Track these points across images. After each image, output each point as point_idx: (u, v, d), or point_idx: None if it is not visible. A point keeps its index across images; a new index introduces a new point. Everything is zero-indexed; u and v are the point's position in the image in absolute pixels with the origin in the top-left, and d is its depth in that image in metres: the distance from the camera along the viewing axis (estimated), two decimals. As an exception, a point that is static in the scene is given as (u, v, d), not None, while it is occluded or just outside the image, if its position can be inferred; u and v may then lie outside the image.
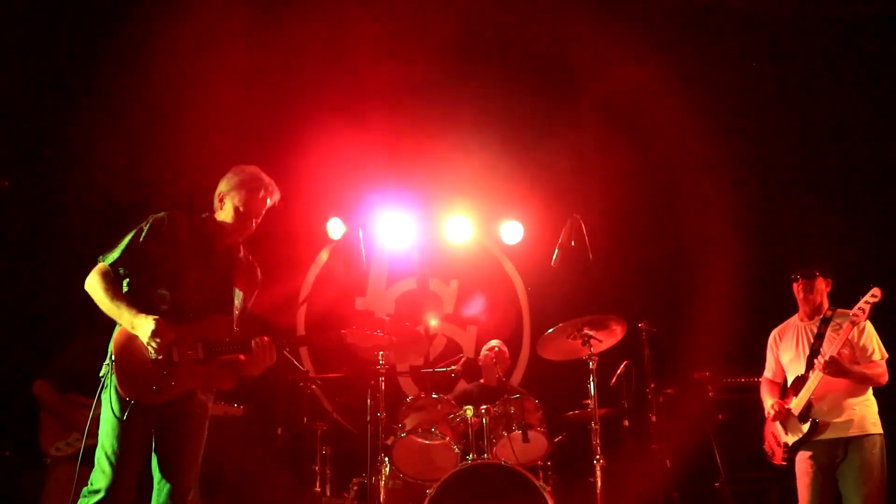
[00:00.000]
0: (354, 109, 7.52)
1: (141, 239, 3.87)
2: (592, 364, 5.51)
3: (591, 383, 5.49)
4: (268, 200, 4.06)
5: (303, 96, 7.55)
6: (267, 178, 4.08)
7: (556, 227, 6.31)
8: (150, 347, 3.70)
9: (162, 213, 3.98)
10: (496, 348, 6.62)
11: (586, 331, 5.54)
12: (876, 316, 5.07)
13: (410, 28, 7.48)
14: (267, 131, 7.55)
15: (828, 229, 7.01)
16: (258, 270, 4.21)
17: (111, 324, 4.92)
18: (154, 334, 3.67)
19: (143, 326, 3.69)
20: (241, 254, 4.14)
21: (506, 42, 7.76)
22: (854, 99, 7.39)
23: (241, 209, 3.99)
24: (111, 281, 3.83)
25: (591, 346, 5.51)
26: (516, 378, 7.84)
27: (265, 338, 3.91)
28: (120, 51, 6.71)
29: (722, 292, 6.77)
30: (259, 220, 4.07)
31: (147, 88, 6.83)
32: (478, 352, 7.12)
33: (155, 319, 3.68)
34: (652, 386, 6.26)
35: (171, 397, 3.78)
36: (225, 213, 4.03)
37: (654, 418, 5.90)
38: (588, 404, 5.56)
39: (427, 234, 8.05)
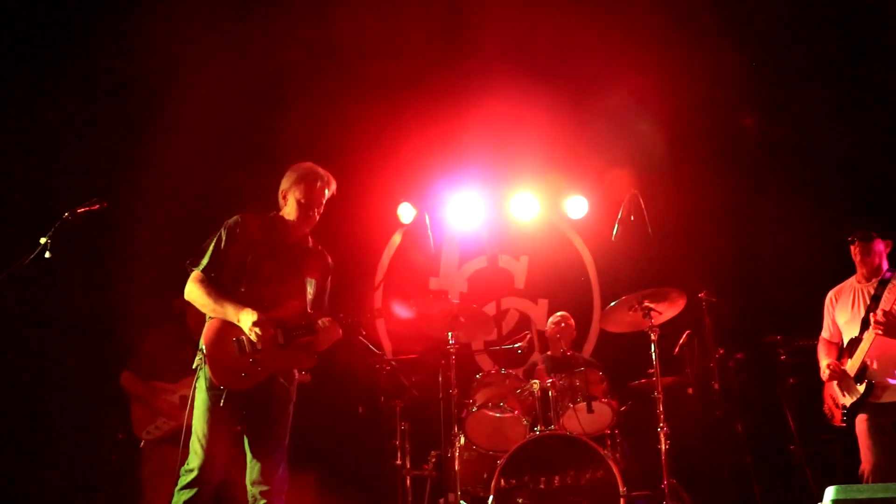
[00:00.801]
0: (418, 95, 7.71)
1: (222, 245, 4.22)
2: (654, 335, 5.68)
3: (654, 353, 5.67)
4: (326, 191, 4.34)
5: (369, 88, 7.71)
6: (322, 171, 4.36)
7: (620, 200, 6.45)
8: (253, 335, 4.04)
9: (235, 217, 4.30)
10: (560, 322, 6.81)
11: (647, 303, 5.68)
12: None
13: (474, 7, 7.62)
14: (339, 125, 7.83)
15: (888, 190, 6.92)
16: (328, 257, 4.49)
17: (179, 317, 5.36)
18: (255, 324, 4.02)
19: (246, 319, 4.05)
20: (310, 244, 4.43)
21: (570, 20, 7.80)
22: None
23: (302, 202, 4.28)
24: (208, 284, 4.19)
25: (651, 317, 5.67)
26: (588, 349, 7.98)
27: (327, 318, 4.25)
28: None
29: (787, 257, 6.75)
30: (321, 210, 4.34)
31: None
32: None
33: (256, 312, 4.04)
34: (720, 352, 6.38)
35: (258, 381, 4.11)
36: (289, 209, 4.33)
37: (716, 386, 6.01)
38: (652, 374, 5.74)
39: (495, 212, 8.20)
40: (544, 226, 8.46)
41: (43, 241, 4.09)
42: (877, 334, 4.99)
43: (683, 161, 7.57)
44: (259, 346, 4.08)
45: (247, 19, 7.32)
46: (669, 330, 6.07)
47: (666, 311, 5.79)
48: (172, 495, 4.60)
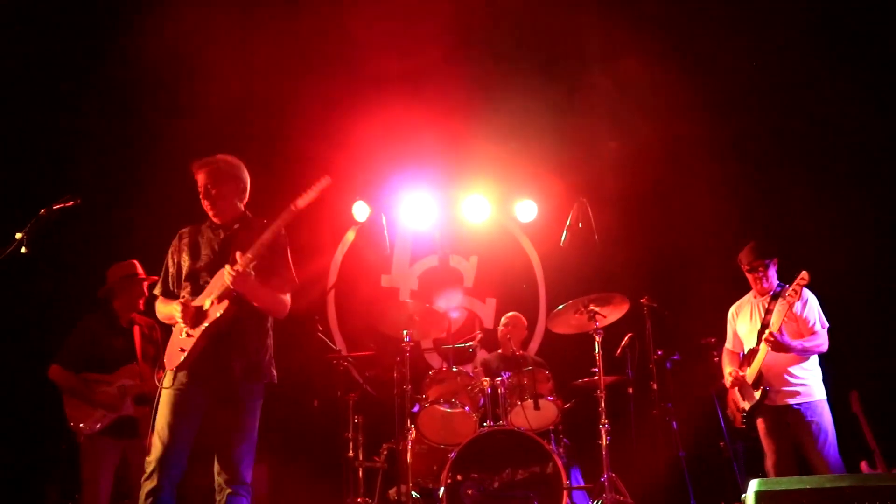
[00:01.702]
0: (375, 96, 7.78)
1: (167, 264, 4.44)
2: (598, 337, 6.01)
3: (597, 354, 6.00)
4: (197, 178, 4.39)
5: (325, 83, 7.79)
6: (196, 162, 4.42)
7: (568, 206, 6.73)
8: (179, 317, 4.15)
9: (177, 234, 4.50)
10: (513, 323, 7.10)
11: (592, 307, 6.01)
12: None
13: (426, 11, 7.76)
14: (293, 120, 7.97)
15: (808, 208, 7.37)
16: (261, 225, 4.32)
17: (104, 303, 5.51)
18: (180, 308, 4.16)
19: (175, 308, 4.20)
20: (237, 226, 4.39)
21: (520, 24, 7.99)
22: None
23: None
24: (162, 300, 4.40)
25: (596, 320, 6.01)
26: (533, 347, 8.26)
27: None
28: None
29: (721, 269, 7.13)
30: (207, 198, 4.33)
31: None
32: (497, 323, 7.53)
33: (179, 301, 4.20)
34: (659, 353, 6.69)
35: (196, 355, 4.14)
36: None
37: (654, 386, 6.35)
38: (595, 373, 6.07)
39: (447, 213, 8.44)
40: (494, 228, 8.72)
41: (19, 236, 4.21)
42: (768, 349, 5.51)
43: (629, 170, 7.90)
44: (187, 326, 4.14)
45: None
46: (612, 332, 6.38)
47: (610, 315, 6.13)
48: (112, 491, 4.78)
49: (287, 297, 4.34)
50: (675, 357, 6.92)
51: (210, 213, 4.39)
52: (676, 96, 7.49)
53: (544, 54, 8.04)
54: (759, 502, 3.39)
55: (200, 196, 4.38)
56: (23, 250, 4.21)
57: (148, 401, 5.36)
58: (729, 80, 7.66)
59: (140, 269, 5.70)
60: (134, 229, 6.89)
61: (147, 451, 4.21)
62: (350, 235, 8.57)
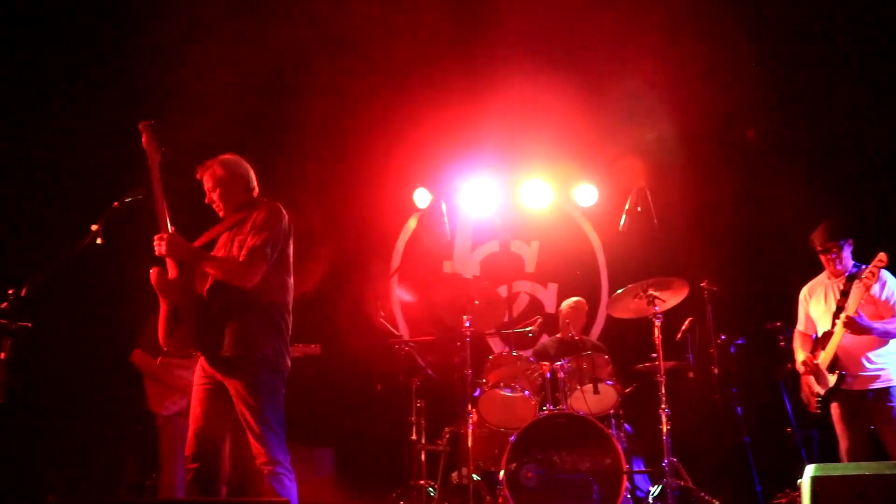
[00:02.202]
0: (434, 83, 7.91)
1: None
2: (657, 322, 6.00)
3: (657, 339, 6.00)
4: (202, 179, 4.52)
5: (384, 72, 7.90)
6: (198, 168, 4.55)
7: (628, 190, 6.70)
8: None
9: None
10: (576, 308, 7.11)
11: (651, 291, 6.02)
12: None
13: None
14: (355, 110, 8.10)
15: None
16: (251, 214, 4.39)
17: None
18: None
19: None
20: (237, 217, 4.46)
21: (586, 6, 7.97)
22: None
23: None
24: None
25: (655, 305, 6.00)
26: (595, 332, 8.26)
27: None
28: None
29: (787, 246, 7.00)
30: (209, 193, 4.48)
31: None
32: (558, 308, 7.54)
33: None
34: (722, 338, 6.69)
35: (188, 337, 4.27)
36: None
37: (716, 370, 6.32)
38: (655, 358, 6.07)
39: (507, 198, 8.45)
40: (555, 212, 8.69)
41: (94, 227, 4.40)
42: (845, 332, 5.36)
43: (690, 151, 7.81)
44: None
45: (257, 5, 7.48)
46: (672, 317, 6.36)
47: (669, 300, 6.12)
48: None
49: (247, 265, 4.22)
50: (738, 341, 6.87)
51: (219, 213, 4.52)
52: (739, 79, 7.39)
53: (604, 38, 7.98)
54: (815, 487, 3.37)
55: (208, 193, 4.52)
56: (98, 241, 4.37)
57: None
58: (793, 62, 7.51)
59: None
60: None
61: None
62: (412, 222, 8.67)
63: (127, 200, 4.49)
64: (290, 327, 4.47)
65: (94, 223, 4.39)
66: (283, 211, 4.46)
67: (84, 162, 6.94)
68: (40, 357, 6.06)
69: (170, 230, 4.20)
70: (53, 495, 3.84)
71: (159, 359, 5.67)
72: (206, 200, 4.53)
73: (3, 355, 3.97)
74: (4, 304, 4.04)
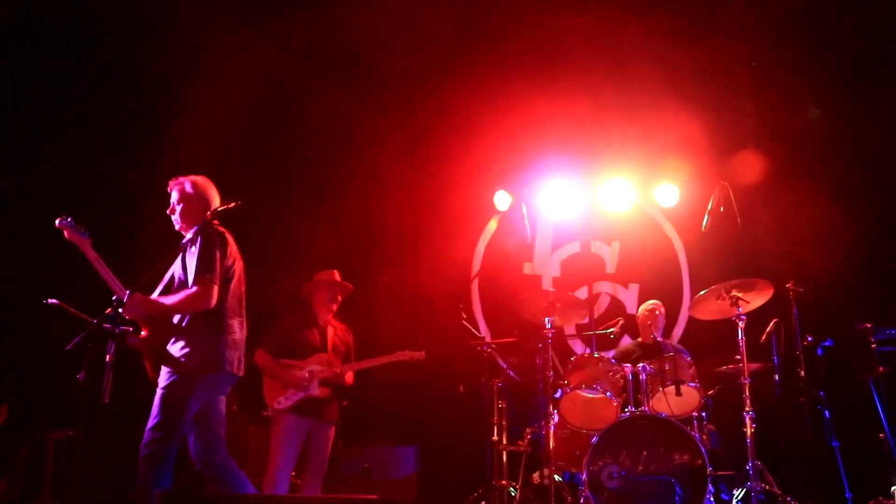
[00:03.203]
0: (515, 85, 7.96)
1: None
2: (741, 323, 5.94)
3: (741, 340, 5.93)
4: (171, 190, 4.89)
5: (465, 74, 8.02)
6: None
7: (710, 190, 6.63)
8: None
9: None
10: (654, 311, 7.07)
11: (735, 293, 5.95)
12: None
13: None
14: (435, 113, 8.24)
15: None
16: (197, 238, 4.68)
17: (304, 303, 5.96)
18: None
19: None
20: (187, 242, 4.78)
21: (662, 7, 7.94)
22: None
23: None
24: None
25: (739, 306, 5.94)
26: (676, 334, 8.20)
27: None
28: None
29: (877, 246, 6.84)
30: (173, 205, 4.85)
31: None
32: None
33: None
34: (808, 339, 6.55)
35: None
36: None
37: (802, 373, 6.21)
38: (738, 360, 6.00)
39: (587, 199, 8.43)
40: (636, 213, 8.65)
41: (188, 235, 4.64)
42: None
43: (773, 152, 7.69)
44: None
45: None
46: (756, 318, 6.27)
47: (753, 301, 6.04)
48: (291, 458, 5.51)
49: (194, 290, 4.52)
50: (826, 343, 6.72)
51: (175, 224, 4.87)
52: (822, 74, 7.23)
53: (683, 31, 7.92)
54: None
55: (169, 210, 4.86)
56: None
57: (331, 385, 6.05)
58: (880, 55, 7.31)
59: (338, 277, 6.30)
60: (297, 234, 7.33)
61: None
62: (492, 225, 8.76)
63: (220, 209, 4.69)
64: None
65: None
66: (225, 235, 4.75)
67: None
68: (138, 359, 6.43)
69: (125, 294, 4.44)
70: (160, 491, 4.04)
71: (280, 360, 6.07)
72: (168, 211, 4.87)
73: (108, 358, 4.19)
74: (108, 310, 4.28)
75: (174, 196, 4.86)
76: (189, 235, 4.72)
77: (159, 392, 4.52)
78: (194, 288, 4.52)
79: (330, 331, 6.24)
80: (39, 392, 6.63)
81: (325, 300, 6.24)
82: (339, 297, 6.28)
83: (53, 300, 5.10)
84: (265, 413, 6.19)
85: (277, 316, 6.31)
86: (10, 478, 6.53)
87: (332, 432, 6.11)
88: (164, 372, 4.57)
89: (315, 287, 6.28)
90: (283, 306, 6.51)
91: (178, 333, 4.61)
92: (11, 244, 7.09)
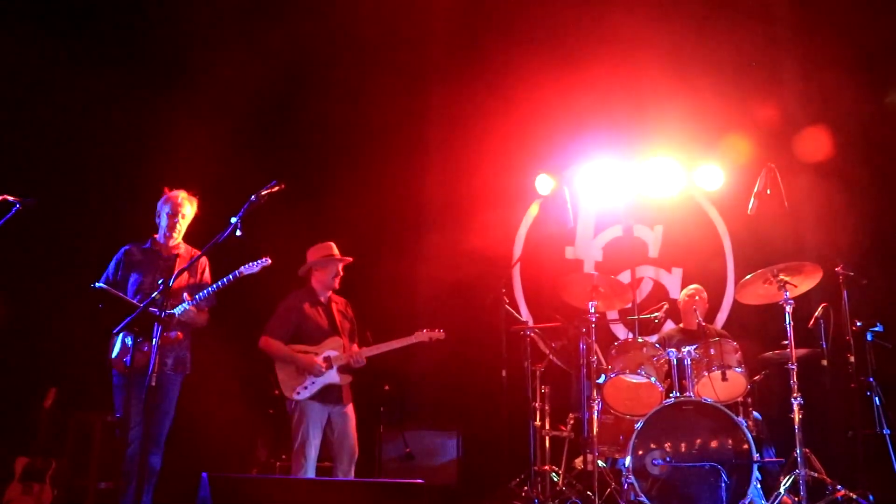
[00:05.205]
0: (555, 66, 7.90)
1: None
2: (789, 308, 5.83)
3: (788, 325, 5.83)
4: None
5: (507, 56, 7.98)
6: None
7: (756, 172, 6.51)
8: None
9: None
10: (695, 296, 6.97)
11: (782, 276, 5.84)
12: None
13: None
14: (475, 96, 8.19)
15: None
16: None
17: (304, 281, 5.98)
18: None
19: None
20: (189, 254, 5.41)
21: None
22: None
23: None
24: None
25: (786, 290, 5.82)
26: (721, 319, 8.08)
27: None
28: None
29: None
30: (182, 215, 5.54)
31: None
32: (682, 294, 7.46)
33: None
34: (858, 324, 6.40)
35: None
36: None
37: (852, 359, 6.07)
38: (786, 345, 5.89)
39: (630, 183, 8.32)
40: (679, 196, 8.50)
41: (233, 220, 4.64)
42: None
43: (819, 133, 7.52)
44: None
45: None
46: (804, 303, 6.16)
47: (801, 285, 5.93)
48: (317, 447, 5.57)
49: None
50: (876, 328, 6.58)
51: (169, 230, 5.50)
52: (870, 56, 7.05)
53: (731, 12, 7.78)
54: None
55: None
56: (238, 233, 4.60)
57: (350, 370, 5.83)
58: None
59: (336, 250, 6.04)
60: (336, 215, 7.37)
61: None
62: (534, 209, 8.71)
63: (264, 193, 4.69)
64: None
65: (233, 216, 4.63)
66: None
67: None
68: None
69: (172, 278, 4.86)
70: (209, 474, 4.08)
71: (291, 345, 5.83)
72: (175, 216, 5.44)
73: (154, 342, 4.24)
74: (156, 294, 4.32)
75: (186, 209, 5.53)
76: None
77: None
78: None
79: (333, 307, 6.00)
80: (87, 375, 6.73)
81: (328, 278, 5.98)
82: (341, 273, 6.02)
83: (101, 284, 5.17)
84: (276, 392, 5.97)
85: (281, 298, 6.07)
86: (60, 459, 6.65)
87: (352, 411, 5.87)
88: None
89: (318, 266, 5.99)
90: (275, 289, 6.21)
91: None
92: (61, 230, 7.20)
